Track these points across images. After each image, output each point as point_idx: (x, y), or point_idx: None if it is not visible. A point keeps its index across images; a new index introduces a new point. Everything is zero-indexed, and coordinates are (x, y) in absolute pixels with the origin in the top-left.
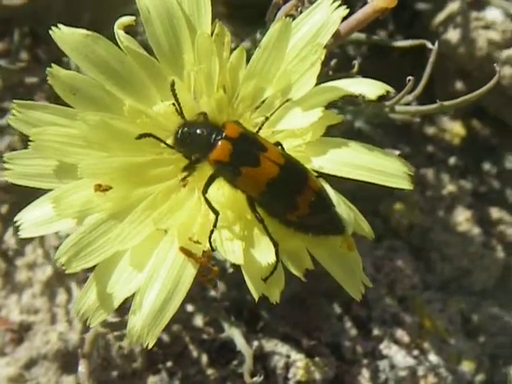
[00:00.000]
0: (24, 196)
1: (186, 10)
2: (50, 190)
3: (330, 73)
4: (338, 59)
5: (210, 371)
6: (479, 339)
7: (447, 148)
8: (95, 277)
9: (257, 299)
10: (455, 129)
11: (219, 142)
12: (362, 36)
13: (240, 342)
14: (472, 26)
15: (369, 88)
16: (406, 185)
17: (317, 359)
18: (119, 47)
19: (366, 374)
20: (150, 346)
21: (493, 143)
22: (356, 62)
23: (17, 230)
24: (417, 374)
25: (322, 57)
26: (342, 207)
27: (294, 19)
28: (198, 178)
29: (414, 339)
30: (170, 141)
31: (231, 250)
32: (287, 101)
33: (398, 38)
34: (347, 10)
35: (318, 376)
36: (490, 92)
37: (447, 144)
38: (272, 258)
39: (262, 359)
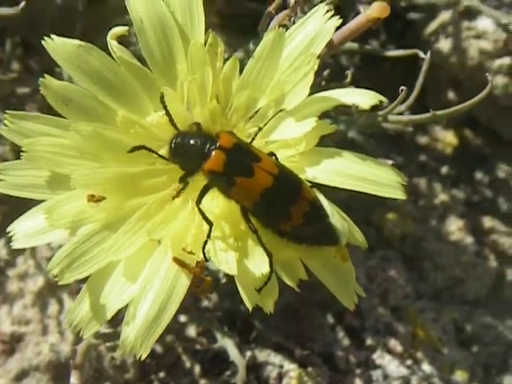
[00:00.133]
0: (16, 207)
1: (179, 19)
2: (42, 201)
3: (323, 83)
4: (331, 69)
5: (202, 382)
6: (472, 349)
7: (439, 157)
8: (88, 288)
9: (250, 310)
10: (447, 138)
11: (213, 152)
12: (354, 46)
13: (233, 352)
14: (463, 35)
15: (362, 98)
16: (399, 194)
17: (310, 369)
18: (112, 57)
19: (359, 383)
20: (144, 358)
21: (485, 153)
22: (349, 72)
23: (9, 240)
24: (410, 383)
25: (316, 67)
26: (336, 217)
27: (287, 29)
28: (191, 188)
29: (407, 349)
30: (163, 151)
31: (225, 261)
32: (280, 111)
33: (390, 48)
34: (340, 20)
35: None
36: (482, 102)
37: (439, 153)
38: (266, 269)
39: (255, 369)
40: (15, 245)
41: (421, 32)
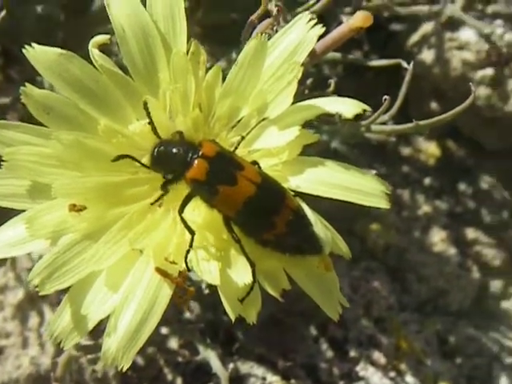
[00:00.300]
0: None
1: (162, 28)
2: (23, 211)
3: (306, 92)
4: (314, 79)
5: None
6: (456, 360)
7: (422, 168)
8: (69, 298)
9: (233, 320)
10: (430, 149)
11: (196, 161)
12: (337, 55)
13: (215, 364)
14: (446, 46)
15: (345, 106)
16: (383, 204)
17: (293, 381)
18: (94, 66)
19: None
20: (125, 369)
21: (468, 164)
22: (332, 81)
23: None
24: None
25: (299, 75)
26: (319, 226)
27: (269, 38)
28: (173, 198)
29: (391, 361)
30: (145, 160)
31: (207, 271)
32: (263, 120)
33: (373, 59)
34: (323, 29)
35: None
36: (464, 112)
37: (422, 164)
38: (249, 279)
39: (237, 381)
40: None
41: (403, 43)
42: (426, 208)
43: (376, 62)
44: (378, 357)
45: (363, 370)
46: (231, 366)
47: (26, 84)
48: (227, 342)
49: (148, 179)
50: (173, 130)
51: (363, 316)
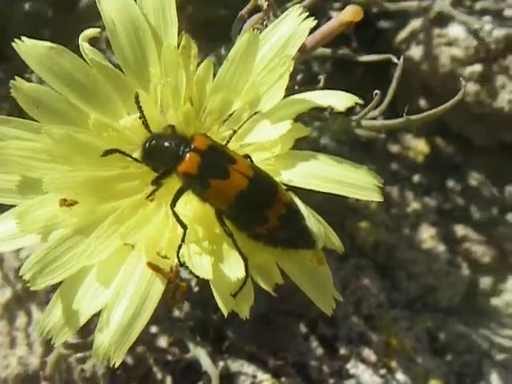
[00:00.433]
0: None
1: (152, 22)
2: (13, 206)
3: (296, 87)
4: (303, 75)
5: None
6: (446, 357)
7: (411, 166)
8: (61, 293)
9: (226, 315)
10: (419, 146)
11: (187, 154)
12: (327, 51)
13: (206, 362)
14: (435, 42)
15: (338, 100)
16: (376, 197)
17: (283, 379)
18: (84, 60)
19: None
20: (117, 365)
21: (457, 161)
22: (321, 77)
23: None
24: None
25: (291, 68)
26: (312, 220)
27: (260, 33)
28: (165, 192)
29: (381, 358)
30: (136, 154)
31: (200, 265)
32: (255, 113)
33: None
34: (315, 22)
35: None
36: (453, 109)
37: (411, 162)
38: (241, 273)
39: (228, 380)
40: None
41: (392, 40)
42: (415, 205)
43: (366, 58)
44: (369, 354)
45: (353, 367)
46: (221, 364)
47: (16, 78)
48: (217, 340)
49: (139, 174)
50: (164, 124)
51: (353, 313)
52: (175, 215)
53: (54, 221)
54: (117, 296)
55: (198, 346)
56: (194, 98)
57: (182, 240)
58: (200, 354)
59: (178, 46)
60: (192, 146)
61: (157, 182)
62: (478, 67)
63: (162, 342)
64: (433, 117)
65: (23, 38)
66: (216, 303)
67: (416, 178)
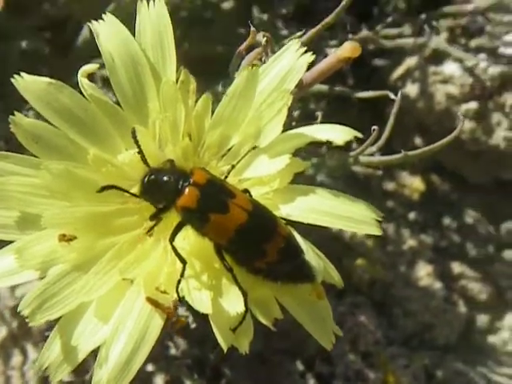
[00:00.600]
0: None
1: (151, 57)
2: (12, 242)
3: (293, 124)
4: (300, 112)
5: None
6: None
7: (407, 203)
8: (59, 329)
9: (225, 350)
10: (415, 184)
11: (187, 189)
12: (324, 88)
13: None
14: (430, 80)
15: (336, 134)
16: (374, 231)
17: None
18: (83, 95)
19: None
20: None
21: (452, 198)
22: (319, 113)
23: None
24: None
25: (289, 102)
26: (311, 254)
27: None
28: (163, 227)
29: None
30: (135, 189)
31: (199, 300)
32: (254, 148)
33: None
34: (313, 56)
35: None
36: (448, 146)
37: (407, 199)
38: (241, 308)
39: None
40: None
41: (387, 78)
42: (411, 242)
43: (363, 94)
44: None
45: None
46: None
47: (15, 113)
48: (214, 378)
49: (137, 209)
50: (162, 159)
51: (350, 351)
52: (174, 250)
53: (53, 256)
54: (115, 332)
55: (196, 383)
56: (192, 133)
57: (181, 275)
58: None
59: (177, 81)
60: (191, 180)
61: (156, 217)
62: (473, 105)
63: (159, 380)
64: (430, 153)
65: (22, 73)
66: (213, 340)
67: (412, 215)
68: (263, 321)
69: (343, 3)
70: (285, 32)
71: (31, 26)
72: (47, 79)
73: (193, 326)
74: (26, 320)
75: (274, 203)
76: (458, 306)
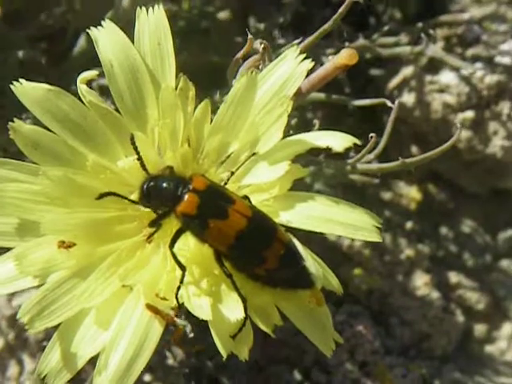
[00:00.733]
0: None
1: (150, 64)
2: (11, 249)
3: (291, 132)
4: (297, 120)
5: None
6: None
7: (404, 213)
8: (59, 335)
9: (225, 357)
10: (411, 194)
11: (186, 195)
12: (321, 96)
13: None
14: (427, 89)
15: (336, 140)
16: (375, 237)
17: None
18: (82, 102)
19: None
20: None
21: (449, 207)
22: (316, 121)
23: None
24: None
25: (289, 109)
26: (310, 261)
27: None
28: (163, 233)
29: None
30: (134, 196)
31: (199, 306)
32: (253, 155)
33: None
34: (313, 63)
35: None
36: (445, 155)
37: (404, 209)
38: (240, 314)
39: None
40: None
41: (383, 87)
42: (408, 252)
43: (360, 102)
44: None
45: None
46: None
47: (15, 119)
48: None
49: (137, 216)
50: (161, 165)
51: (347, 360)
52: (174, 257)
53: (52, 263)
54: (115, 338)
55: None
56: (191, 140)
57: (181, 281)
58: None
59: (176, 88)
60: (191, 187)
61: (155, 224)
62: (470, 113)
63: None
64: (427, 161)
65: (21, 80)
66: (210, 350)
67: (409, 224)
68: (263, 327)
69: (340, 10)
70: (281, 41)
71: (28, 37)
72: (46, 86)
73: (191, 335)
74: (25, 327)
75: (273, 210)
76: (455, 316)
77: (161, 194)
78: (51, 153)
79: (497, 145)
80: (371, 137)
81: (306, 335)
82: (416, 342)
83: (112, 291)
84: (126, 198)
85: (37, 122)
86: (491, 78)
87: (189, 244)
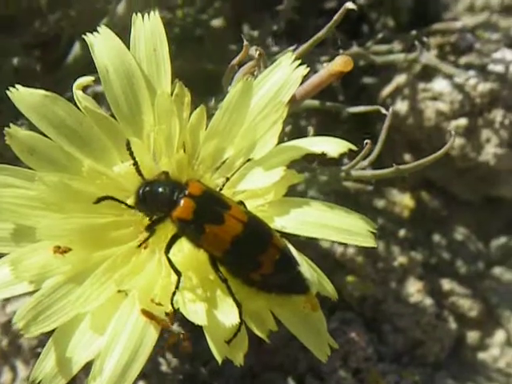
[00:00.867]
0: None
1: (146, 70)
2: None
3: (285, 139)
4: (291, 128)
5: None
6: None
7: (397, 220)
8: (54, 340)
9: (220, 362)
10: (404, 201)
11: (182, 200)
12: (315, 103)
13: None
14: (420, 97)
15: (331, 146)
16: (370, 243)
17: None
18: (78, 108)
19: None
20: None
21: (442, 215)
22: (311, 128)
23: None
24: None
25: (284, 115)
26: (305, 267)
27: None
28: (158, 239)
29: None
30: (130, 201)
31: (194, 312)
32: (248, 161)
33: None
34: (308, 69)
35: None
36: (438, 163)
37: (397, 216)
38: (235, 319)
39: None
40: None
41: (376, 95)
42: (401, 259)
43: (354, 109)
44: None
45: None
46: None
47: (11, 125)
48: None
49: (133, 221)
50: (157, 171)
51: (341, 367)
52: (169, 262)
53: (48, 268)
54: (110, 343)
55: None
56: (187, 146)
57: (176, 287)
58: None
59: (172, 94)
60: (187, 192)
61: (150, 229)
62: (463, 121)
63: None
64: (421, 167)
65: (17, 86)
66: (204, 355)
67: (402, 232)
68: (258, 333)
69: (335, 18)
70: (275, 49)
71: (22, 44)
72: (43, 91)
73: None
74: (21, 333)
75: (268, 215)
76: (448, 323)
77: (157, 199)
78: (47, 158)
79: (489, 152)
80: (366, 143)
81: (301, 341)
82: (409, 349)
83: (107, 296)
84: (122, 202)
85: (33, 127)
86: (484, 86)
87: (183, 249)
